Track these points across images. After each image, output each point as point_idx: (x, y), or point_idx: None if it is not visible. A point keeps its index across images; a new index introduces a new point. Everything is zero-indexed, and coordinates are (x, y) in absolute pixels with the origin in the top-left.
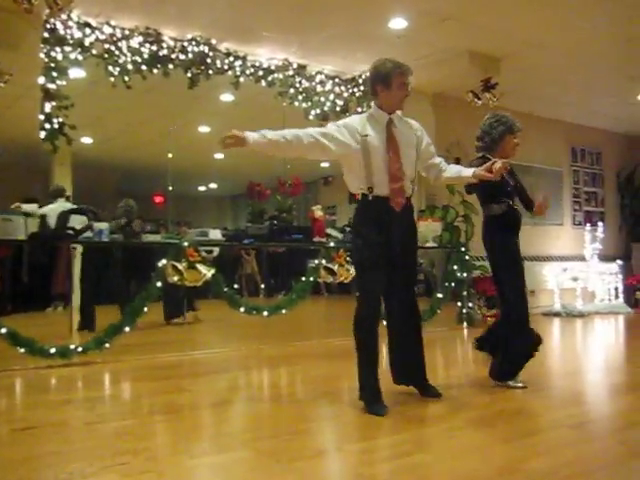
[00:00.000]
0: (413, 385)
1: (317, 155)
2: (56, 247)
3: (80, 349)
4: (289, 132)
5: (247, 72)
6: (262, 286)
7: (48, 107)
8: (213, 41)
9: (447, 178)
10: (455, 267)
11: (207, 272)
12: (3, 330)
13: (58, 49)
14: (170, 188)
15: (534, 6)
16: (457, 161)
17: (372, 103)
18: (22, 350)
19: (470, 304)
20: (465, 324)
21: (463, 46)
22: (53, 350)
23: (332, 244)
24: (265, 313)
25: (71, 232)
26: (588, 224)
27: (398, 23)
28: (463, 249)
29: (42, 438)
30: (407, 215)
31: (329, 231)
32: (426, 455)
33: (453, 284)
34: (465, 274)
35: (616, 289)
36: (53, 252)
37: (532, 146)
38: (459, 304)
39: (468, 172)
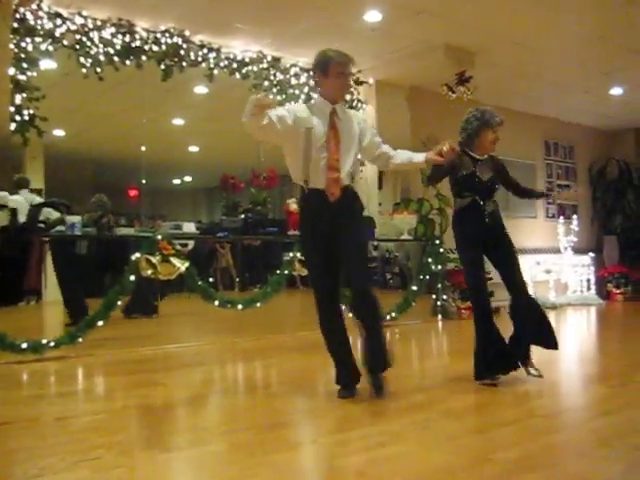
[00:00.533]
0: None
1: (268, 137)
2: (28, 241)
3: (52, 344)
4: None
5: (221, 64)
6: (237, 279)
7: (18, 99)
8: (187, 33)
9: (397, 164)
10: (430, 260)
11: (181, 265)
12: None
13: (28, 40)
14: (144, 181)
15: (509, 2)
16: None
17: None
18: None
19: (444, 297)
20: (439, 316)
21: (438, 40)
22: (25, 345)
23: None
24: (240, 306)
25: (42, 226)
26: (561, 217)
27: (373, 16)
28: (437, 242)
29: (14, 434)
30: (347, 204)
31: (453, 229)
32: (400, 446)
33: (428, 277)
34: (440, 267)
35: (588, 281)
36: (25, 246)
37: (506, 140)
38: (434, 297)
39: (420, 157)
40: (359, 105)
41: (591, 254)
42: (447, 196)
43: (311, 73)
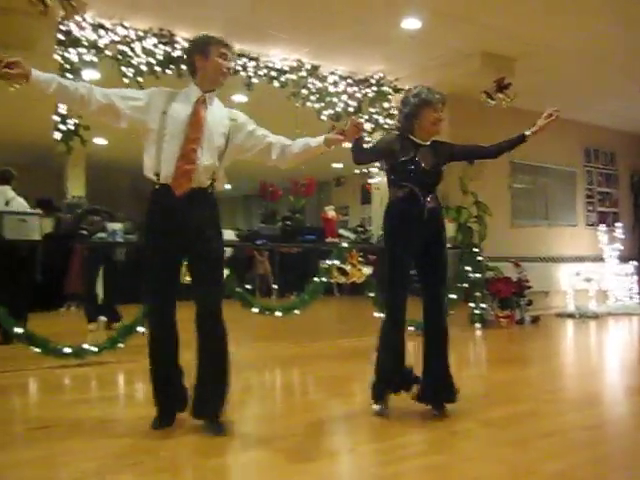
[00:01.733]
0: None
1: (109, 119)
2: (70, 247)
3: (94, 349)
4: (83, 85)
5: (260, 73)
6: (274, 286)
7: (63, 108)
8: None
9: (296, 155)
10: (468, 268)
11: None
12: (19, 330)
13: (73, 50)
14: None
15: (547, 8)
16: (470, 162)
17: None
18: (37, 350)
19: (483, 305)
20: (478, 325)
21: (476, 47)
22: (68, 350)
23: (344, 244)
24: (278, 313)
25: (85, 232)
26: (602, 225)
27: (411, 23)
28: (476, 250)
29: (57, 437)
30: (198, 206)
31: (341, 231)
32: (440, 456)
33: (466, 285)
34: (478, 275)
35: (630, 290)
36: (66, 252)
37: (545, 146)
38: (471, 305)
39: (319, 140)
40: (397, 113)
41: (634, 262)
42: (486, 204)
43: (186, 59)
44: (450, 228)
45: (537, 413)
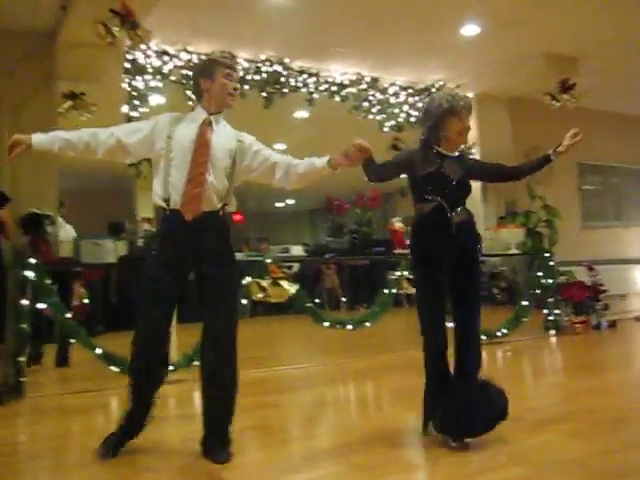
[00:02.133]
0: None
1: (119, 158)
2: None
3: (171, 367)
4: (87, 132)
5: (321, 88)
6: (343, 300)
7: None
8: (286, 60)
9: (300, 175)
10: (539, 274)
11: (291, 288)
12: (98, 350)
13: (139, 78)
14: (249, 206)
15: (608, 3)
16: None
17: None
18: (116, 369)
19: (557, 311)
20: (552, 332)
21: (538, 48)
22: None
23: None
24: (349, 327)
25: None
26: None
27: (470, 30)
28: (547, 255)
29: (140, 455)
30: (211, 231)
31: (409, 242)
32: (522, 468)
33: (538, 291)
34: (550, 280)
35: None
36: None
37: (616, 145)
38: (545, 311)
39: (322, 161)
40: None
41: None
42: (556, 207)
43: (192, 82)
44: (519, 234)
45: (623, 422)
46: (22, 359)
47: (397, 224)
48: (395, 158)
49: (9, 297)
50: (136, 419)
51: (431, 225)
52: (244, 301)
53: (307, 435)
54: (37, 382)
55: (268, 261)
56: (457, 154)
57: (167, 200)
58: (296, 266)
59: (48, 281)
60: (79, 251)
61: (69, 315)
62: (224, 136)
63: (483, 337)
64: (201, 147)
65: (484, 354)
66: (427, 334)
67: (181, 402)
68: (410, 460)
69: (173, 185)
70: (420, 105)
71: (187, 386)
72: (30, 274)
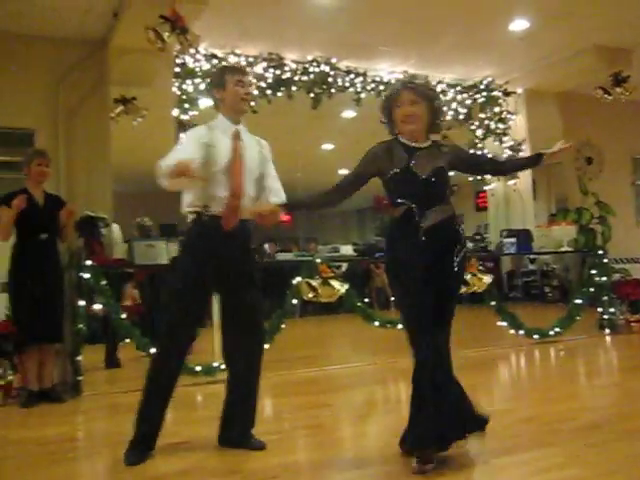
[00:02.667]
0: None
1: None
2: None
3: (223, 367)
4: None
5: (368, 88)
6: (392, 299)
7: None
8: (333, 60)
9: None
10: (593, 271)
11: (341, 288)
12: (152, 350)
13: (188, 81)
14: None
15: None
16: (589, 161)
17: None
18: None
19: (611, 309)
20: (607, 330)
21: (589, 41)
22: (198, 368)
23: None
24: (400, 326)
25: None
26: None
27: (519, 25)
28: (600, 252)
29: (196, 452)
30: (241, 239)
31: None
32: (578, 469)
33: (592, 289)
34: (604, 278)
35: None
36: None
37: None
38: (599, 310)
39: (265, 205)
40: (508, 117)
41: None
42: (608, 203)
43: (209, 96)
44: (571, 231)
45: None
46: (79, 358)
47: None
48: (357, 167)
49: (66, 298)
50: (155, 420)
51: (399, 233)
52: (294, 301)
53: (359, 434)
54: (93, 381)
55: (318, 261)
56: (428, 143)
57: (206, 206)
58: (345, 266)
59: (103, 282)
60: (132, 252)
61: (124, 316)
62: (250, 147)
63: (535, 336)
64: (237, 160)
65: (537, 353)
66: (419, 356)
67: None
68: (463, 462)
69: (211, 196)
70: (468, 102)
71: None
72: (86, 276)
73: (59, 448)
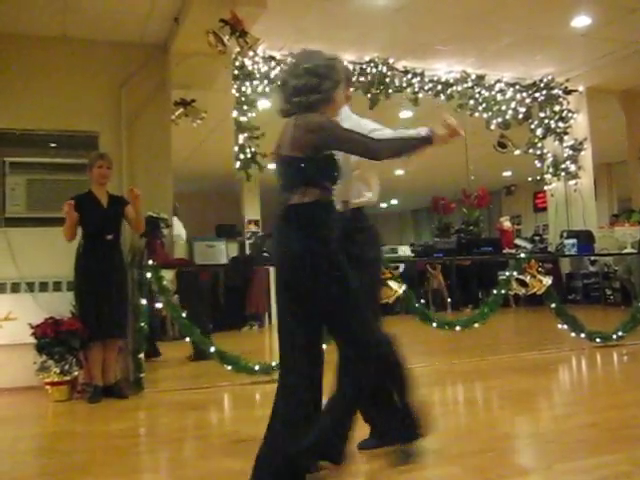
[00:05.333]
0: None
1: None
2: (252, 270)
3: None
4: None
5: (425, 87)
6: (449, 300)
7: (241, 138)
8: (391, 60)
9: None
10: None
11: (398, 288)
12: (212, 349)
13: (247, 83)
14: None
15: None
16: None
17: (347, 108)
18: (229, 367)
19: None
20: None
21: None
22: (257, 367)
23: (522, 255)
24: (458, 328)
25: (267, 255)
26: None
27: (581, 21)
28: None
29: (254, 451)
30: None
31: (517, 241)
32: None
33: None
34: None
35: None
36: (248, 275)
37: None
38: None
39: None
40: (569, 115)
41: None
42: None
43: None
44: (635, 232)
45: None
46: (141, 356)
47: (506, 223)
48: None
49: (129, 296)
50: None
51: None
52: None
53: None
54: (154, 378)
55: None
56: None
57: (347, 202)
58: (402, 266)
59: (164, 282)
60: (193, 252)
61: (184, 314)
62: None
63: (597, 339)
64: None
65: (598, 357)
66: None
67: None
68: (525, 464)
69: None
70: (528, 101)
71: None
72: (148, 275)
73: (124, 443)
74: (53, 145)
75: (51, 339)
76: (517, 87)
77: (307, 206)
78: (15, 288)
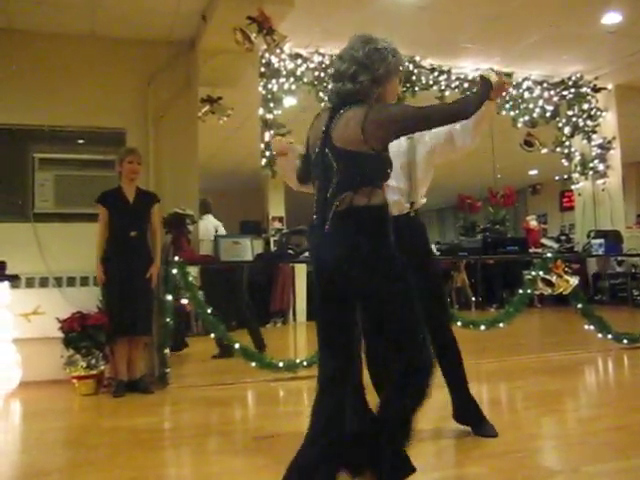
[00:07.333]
0: None
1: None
2: (277, 266)
3: (305, 363)
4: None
5: (452, 85)
6: (473, 299)
7: (267, 136)
8: (417, 58)
9: (474, 125)
10: None
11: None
12: (237, 346)
13: (273, 81)
14: None
15: None
16: None
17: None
18: (253, 364)
19: None
20: None
21: None
22: (281, 364)
23: (549, 254)
24: (482, 327)
25: (292, 252)
26: None
27: (611, 18)
28: None
29: (280, 446)
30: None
31: (544, 241)
32: None
33: None
34: None
35: None
36: (272, 271)
37: None
38: None
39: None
40: (598, 114)
41: None
42: None
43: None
44: None
45: None
46: (166, 351)
47: (532, 222)
48: None
49: (155, 292)
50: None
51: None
52: None
53: (442, 436)
54: (179, 374)
55: None
56: None
57: (412, 204)
58: None
59: (190, 278)
60: (218, 249)
61: (209, 310)
62: None
63: (625, 341)
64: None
65: (626, 359)
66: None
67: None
68: (552, 466)
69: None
70: (555, 99)
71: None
72: (174, 271)
73: (149, 437)
74: (81, 142)
75: (78, 333)
76: (545, 85)
77: (376, 209)
78: (43, 283)
